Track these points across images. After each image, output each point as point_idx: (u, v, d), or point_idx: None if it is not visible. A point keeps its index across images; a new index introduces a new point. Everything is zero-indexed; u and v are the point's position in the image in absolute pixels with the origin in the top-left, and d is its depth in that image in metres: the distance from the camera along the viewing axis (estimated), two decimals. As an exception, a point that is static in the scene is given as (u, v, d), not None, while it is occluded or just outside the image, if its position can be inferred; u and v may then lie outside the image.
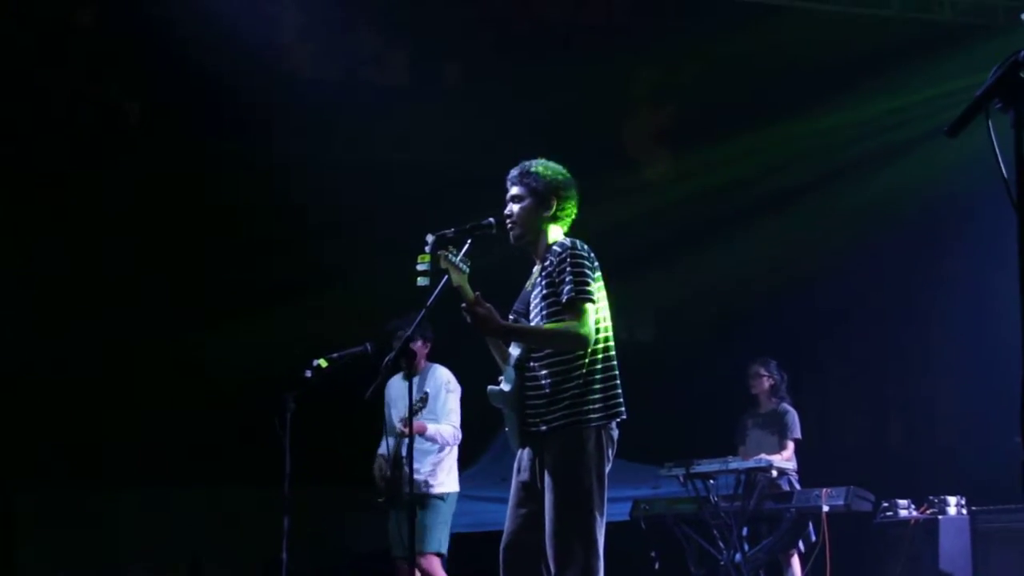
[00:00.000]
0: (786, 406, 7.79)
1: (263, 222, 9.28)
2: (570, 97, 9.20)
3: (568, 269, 4.02)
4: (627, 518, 7.58)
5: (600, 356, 4.07)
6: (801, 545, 7.30)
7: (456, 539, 6.66)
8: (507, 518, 4.14)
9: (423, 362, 6.62)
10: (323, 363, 6.20)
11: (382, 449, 6.55)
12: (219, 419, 8.87)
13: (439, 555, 6.42)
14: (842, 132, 9.31)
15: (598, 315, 4.06)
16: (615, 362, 4.11)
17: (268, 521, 6.38)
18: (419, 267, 4.14)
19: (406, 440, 5.36)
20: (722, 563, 7.19)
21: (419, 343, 6.50)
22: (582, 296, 3.99)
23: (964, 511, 7.09)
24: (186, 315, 9.10)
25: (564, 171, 4.25)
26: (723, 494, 7.30)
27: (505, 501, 4.19)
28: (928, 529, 7.06)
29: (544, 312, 4.08)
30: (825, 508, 7.01)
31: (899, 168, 9.06)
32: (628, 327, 9.72)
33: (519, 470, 4.12)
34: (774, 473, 7.28)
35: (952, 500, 7.11)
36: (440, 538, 6.44)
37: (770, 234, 9.53)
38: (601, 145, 9.59)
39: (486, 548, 4.63)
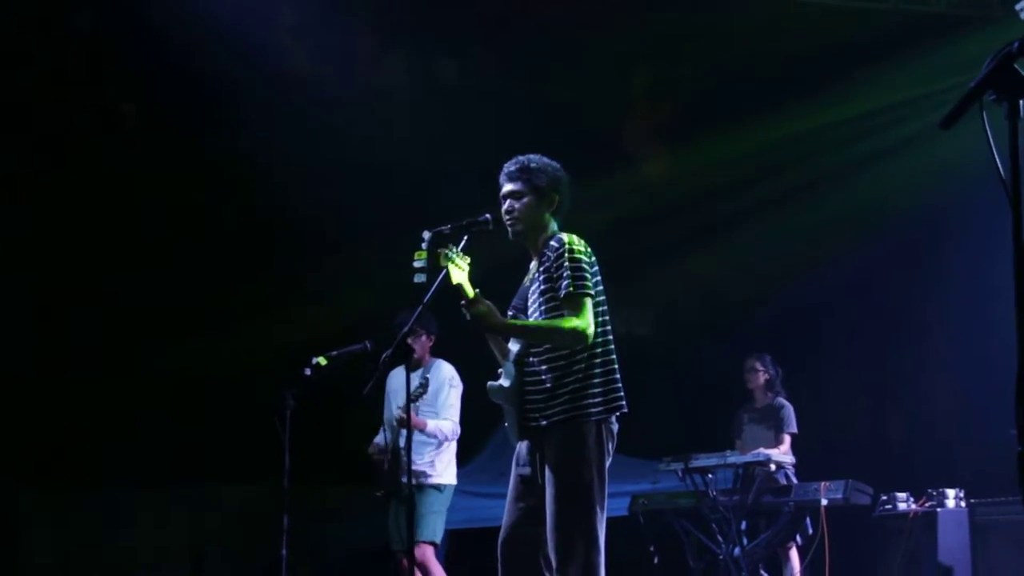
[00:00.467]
0: (782, 400, 7.81)
1: (262, 221, 9.29)
2: (569, 95, 9.21)
3: (566, 264, 4.02)
4: (626, 513, 7.59)
5: (599, 350, 4.07)
6: (799, 538, 7.32)
7: (455, 535, 6.67)
8: (505, 512, 4.15)
9: (427, 356, 6.62)
10: (322, 361, 6.21)
11: (378, 439, 6.56)
12: (219, 417, 8.88)
13: (432, 544, 6.41)
14: (842, 128, 9.31)
15: (596, 308, 4.07)
16: (614, 355, 4.12)
17: (269, 519, 6.40)
18: (416, 264, 4.14)
19: (404, 432, 5.36)
20: (721, 557, 7.20)
21: (423, 337, 6.51)
22: (580, 291, 4.00)
23: (963, 504, 7.08)
24: (186, 315, 9.11)
25: (557, 165, 4.28)
26: (721, 488, 7.31)
27: (504, 497, 4.20)
28: (927, 522, 7.05)
29: (543, 307, 4.08)
30: (824, 501, 7.01)
31: (898, 164, 9.05)
32: (626, 322, 9.72)
33: (518, 463, 4.13)
34: (772, 467, 7.29)
35: (951, 493, 7.11)
36: (434, 527, 6.42)
37: (769, 229, 9.54)
38: (600, 142, 9.59)
39: (484, 544, 4.64)
